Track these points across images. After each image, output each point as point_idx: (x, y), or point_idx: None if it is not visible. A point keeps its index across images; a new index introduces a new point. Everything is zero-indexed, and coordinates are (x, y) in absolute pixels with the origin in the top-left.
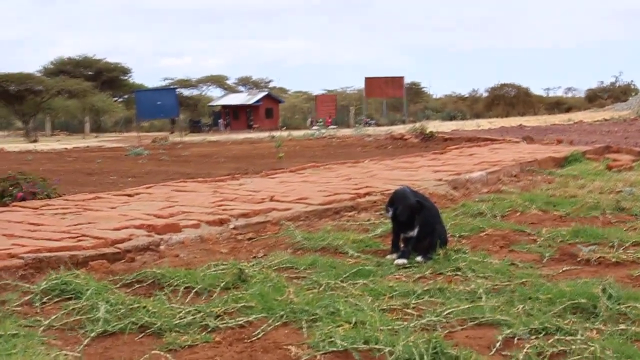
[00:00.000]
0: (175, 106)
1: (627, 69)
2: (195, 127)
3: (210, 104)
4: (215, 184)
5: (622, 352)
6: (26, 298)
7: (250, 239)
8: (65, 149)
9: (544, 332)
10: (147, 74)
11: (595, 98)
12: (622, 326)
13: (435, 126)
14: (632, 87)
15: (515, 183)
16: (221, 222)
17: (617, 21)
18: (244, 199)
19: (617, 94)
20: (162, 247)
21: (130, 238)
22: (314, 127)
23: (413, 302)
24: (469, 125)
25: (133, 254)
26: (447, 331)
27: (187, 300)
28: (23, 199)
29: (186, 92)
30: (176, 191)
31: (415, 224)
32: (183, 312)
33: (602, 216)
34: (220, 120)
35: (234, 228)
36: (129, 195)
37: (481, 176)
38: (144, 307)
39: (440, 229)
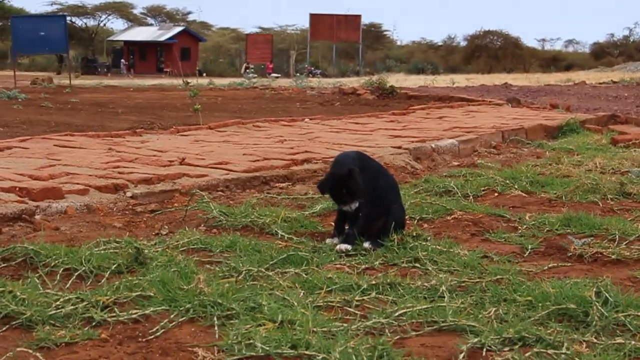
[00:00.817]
0: (63, 39)
1: None
2: (89, 67)
3: (111, 38)
4: (110, 140)
5: None
6: None
7: (152, 211)
8: None
9: (520, 343)
10: None
11: (603, 55)
12: (619, 339)
13: (397, 80)
14: None
15: (494, 156)
16: (116, 189)
17: None
18: (146, 161)
19: (630, 51)
20: (37, 217)
21: None
22: (250, 75)
23: (357, 299)
24: (441, 82)
25: None
26: (397, 337)
27: (68, 285)
28: None
29: (79, 22)
30: (59, 147)
31: (353, 197)
32: (61, 300)
33: (602, 202)
34: (123, 61)
35: (132, 197)
36: None
37: (452, 145)
38: (10, 292)
39: (397, 209)
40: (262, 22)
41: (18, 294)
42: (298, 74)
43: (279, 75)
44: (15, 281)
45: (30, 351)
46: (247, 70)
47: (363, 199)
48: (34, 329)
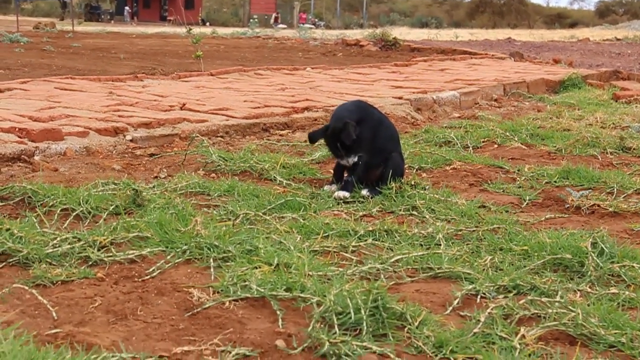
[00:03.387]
0: None
1: None
2: (92, 14)
3: None
4: (111, 84)
5: (611, 320)
6: None
7: (151, 155)
8: None
9: (514, 291)
10: None
11: (608, 13)
12: (614, 289)
13: (401, 34)
14: None
15: (495, 108)
16: (115, 132)
17: None
18: (147, 105)
19: (635, 9)
20: (36, 158)
21: None
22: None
23: (353, 244)
24: (445, 36)
25: None
26: (393, 282)
27: (65, 225)
28: None
29: None
30: (60, 89)
31: (349, 151)
32: (58, 239)
33: (601, 156)
34: (126, 8)
35: (131, 140)
36: None
37: (453, 97)
38: (8, 229)
39: (397, 158)
40: None
41: (15, 232)
42: (301, 25)
43: (285, 26)
44: (13, 220)
45: (27, 288)
46: (276, 22)
47: (362, 154)
48: (31, 267)
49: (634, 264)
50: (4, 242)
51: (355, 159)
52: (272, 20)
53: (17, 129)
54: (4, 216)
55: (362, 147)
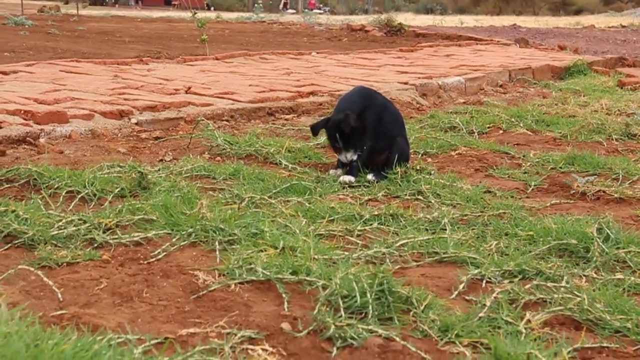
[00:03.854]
0: None
1: None
2: None
3: None
4: (116, 67)
5: (616, 306)
6: None
7: (157, 138)
8: None
9: (520, 276)
10: None
11: (613, 0)
12: (619, 275)
13: (406, 19)
14: None
15: (500, 94)
16: (121, 115)
17: None
18: (152, 89)
19: None
20: (42, 141)
21: (1, 126)
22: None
23: (359, 228)
24: (450, 22)
25: (3, 146)
26: (398, 266)
27: (70, 207)
28: None
29: None
30: (65, 72)
31: (348, 147)
32: (64, 221)
33: (607, 142)
34: None
35: (136, 123)
36: (4, 73)
37: (458, 82)
38: (13, 211)
39: (402, 143)
40: None
41: (21, 213)
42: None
43: (295, 11)
44: (18, 202)
45: (32, 269)
46: (285, 7)
47: (360, 151)
48: (36, 249)
49: None
50: (10, 224)
51: (354, 157)
52: (281, 6)
53: (22, 112)
54: (10, 198)
55: (365, 137)
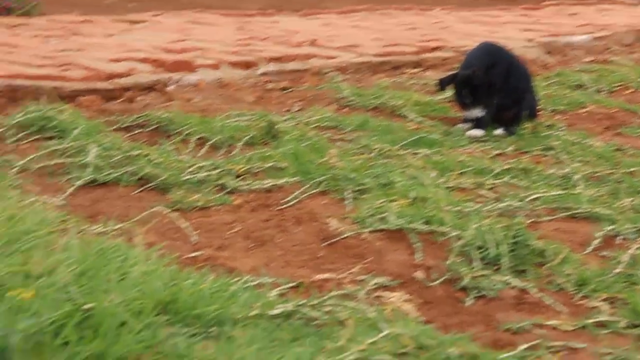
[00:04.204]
0: None
1: None
2: None
3: None
4: (241, 19)
5: None
6: None
7: (283, 89)
8: None
9: None
10: None
11: None
12: None
13: None
14: None
15: (627, 54)
16: (247, 66)
17: None
18: (277, 40)
19: None
20: (170, 88)
21: (131, 73)
22: None
23: (489, 182)
24: None
25: (133, 92)
26: (531, 220)
27: (201, 153)
28: None
29: None
30: (191, 23)
31: (475, 102)
32: (195, 166)
33: None
34: None
35: (263, 74)
36: (132, 22)
37: (584, 41)
38: (146, 155)
39: (530, 98)
40: None
41: (153, 158)
42: None
43: None
44: (150, 146)
45: (166, 211)
46: None
47: (487, 108)
48: (169, 192)
49: None
50: (143, 168)
51: (482, 114)
52: None
53: (151, 60)
54: (142, 142)
55: (493, 93)
